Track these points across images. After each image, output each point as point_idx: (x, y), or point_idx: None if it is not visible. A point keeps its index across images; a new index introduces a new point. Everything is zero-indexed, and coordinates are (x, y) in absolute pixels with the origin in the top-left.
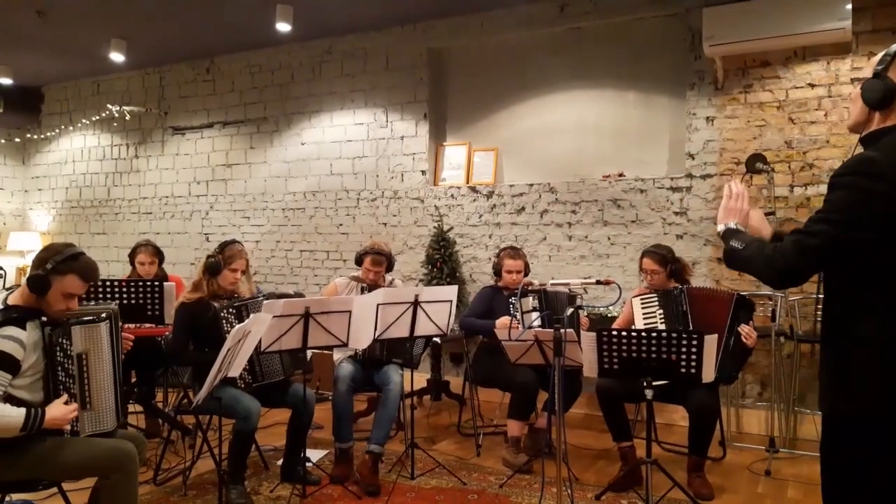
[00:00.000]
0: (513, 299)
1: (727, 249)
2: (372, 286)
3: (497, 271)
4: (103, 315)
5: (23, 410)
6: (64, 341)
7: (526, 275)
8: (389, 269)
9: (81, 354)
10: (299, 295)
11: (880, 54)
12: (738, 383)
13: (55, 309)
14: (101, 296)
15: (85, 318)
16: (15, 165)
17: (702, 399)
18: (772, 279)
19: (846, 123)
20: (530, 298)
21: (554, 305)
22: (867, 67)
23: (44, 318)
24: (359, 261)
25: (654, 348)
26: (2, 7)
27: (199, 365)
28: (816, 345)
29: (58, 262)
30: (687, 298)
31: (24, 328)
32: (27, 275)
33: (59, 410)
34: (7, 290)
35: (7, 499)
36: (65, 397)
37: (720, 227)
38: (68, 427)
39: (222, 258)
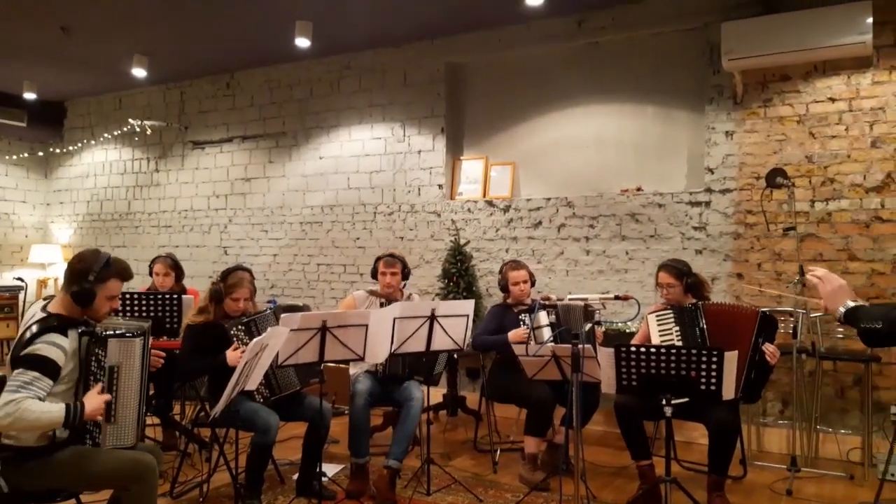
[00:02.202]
0: (523, 316)
1: (862, 331)
2: (390, 299)
3: (504, 287)
4: (139, 331)
5: (62, 405)
6: (99, 352)
7: (532, 284)
8: (406, 276)
9: (114, 367)
10: (306, 308)
11: None
12: (759, 401)
13: (102, 313)
14: (122, 309)
15: (122, 332)
16: (37, 179)
17: (722, 417)
18: None
19: None
20: (542, 314)
21: (569, 320)
22: None
23: (82, 329)
24: (374, 273)
25: (673, 365)
26: (27, 23)
27: (207, 373)
28: (838, 362)
29: (97, 271)
30: (703, 314)
31: (65, 335)
32: (71, 289)
33: (97, 400)
34: (45, 299)
35: None
36: (99, 386)
37: (840, 312)
38: (101, 416)
39: (223, 286)
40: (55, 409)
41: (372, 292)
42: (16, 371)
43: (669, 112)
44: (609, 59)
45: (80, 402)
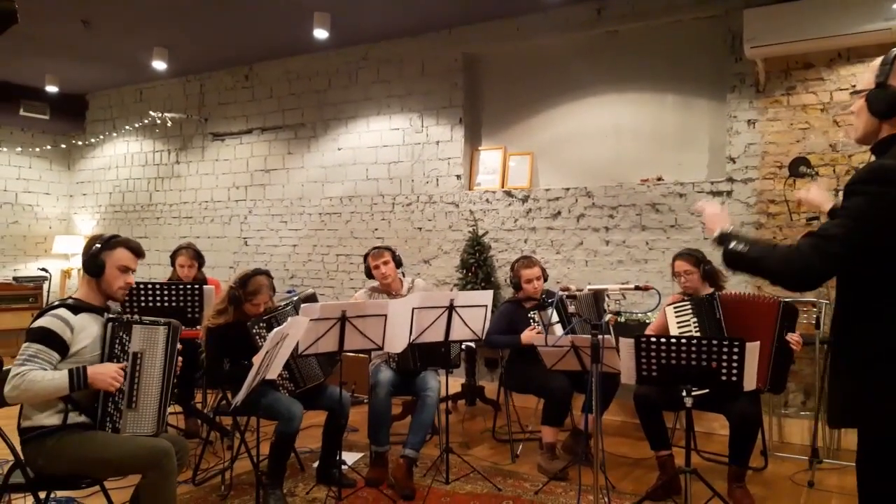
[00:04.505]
0: (532, 314)
1: (727, 252)
2: (390, 291)
3: (516, 284)
4: (163, 321)
5: (64, 371)
6: (123, 336)
7: (545, 280)
8: (398, 263)
9: (137, 353)
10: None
11: (877, 62)
12: (782, 392)
13: (115, 288)
14: (143, 299)
15: (146, 320)
16: (60, 171)
17: (743, 408)
18: (788, 279)
19: (853, 137)
20: (551, 311)
21: (583, 310)
22: (866, 73)
23: (109, 316)
24: (368, 272)
25: (693, 355)
26: (49, 17)
27: (239, 377)
28: None
29: (103, 241)
30: (720, 305)
31: (75, 314)
32: (81, 266)
33: (103, 367)
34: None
35: (52, 495)
36: (121, 364)
37: (715, 234)
38: (115, 386)
39: (243, 293)
40: (58, 375)
41: (373, 289)
42: (23, 346)
43: (690, 101)
44: (628, 48)
45: (82, 367)
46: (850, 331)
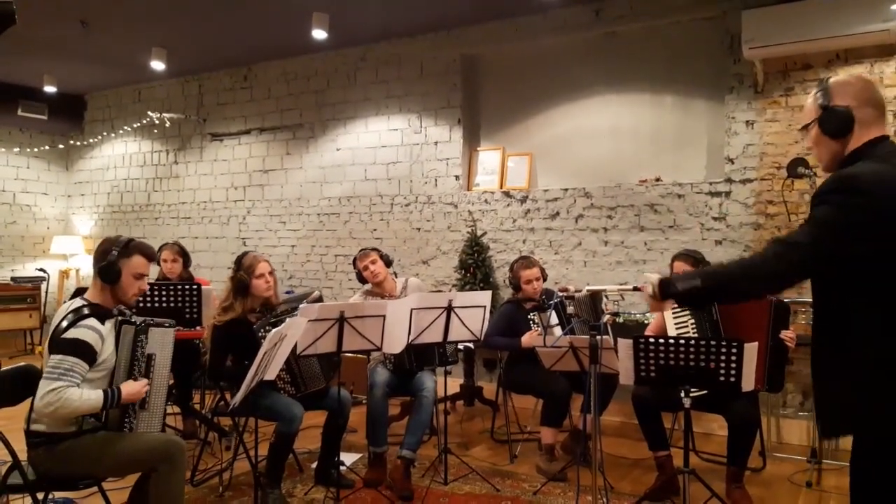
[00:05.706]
0: (532, 315)
1: (679, 295)
2: (384, 293)
3: (516, 285)
4: (172, 323)
5: (100, 392)
6: (143, 339)
7: (544, 280)
8: (388, 263)
9: (151, 355)
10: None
11: (813, 93)
12: (779, 392)
13: (130, 294)
14: (141, 299)
15: (159, 322)
16: (59, 171)
17: (742, 409)
18: (754, 290)
19: (823, 169)
20: (550, 312)
21: (579, 311)
22: (805, 110)
23: (121, 318)
24: (360, 277)
25: (692, 356)
26: (47, 17)
27: (241, 375)
28: None
29: (120, 247)
30: (717, 307)
31: (102, 323)
32: (96, 269)
33: (133, 386)
34: (80, 289)
35: (50, 496)
36: (143, 381)
37: (654, 283)
38: (140, 397)
39: (244, 272)
40: (94, 397)
41: (367, 293)
42: (55, 357)
43: (688, 102)
44: (627, 49)
45: (117, 388)
46: (827, 338)
